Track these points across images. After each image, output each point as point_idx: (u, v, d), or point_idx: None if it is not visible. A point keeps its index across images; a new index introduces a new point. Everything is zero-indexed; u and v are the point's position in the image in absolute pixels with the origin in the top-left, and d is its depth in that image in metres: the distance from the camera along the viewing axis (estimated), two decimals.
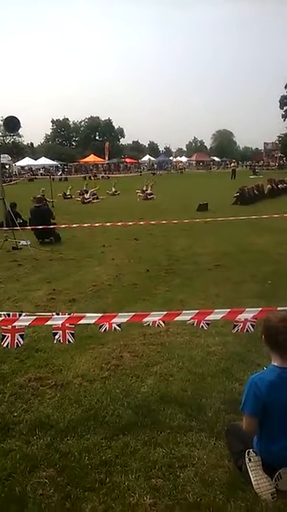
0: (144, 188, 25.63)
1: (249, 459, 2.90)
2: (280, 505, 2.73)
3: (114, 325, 3.76)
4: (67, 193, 27.49)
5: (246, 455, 2.92)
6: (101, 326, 3.80)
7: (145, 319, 3.72)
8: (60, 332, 3.75)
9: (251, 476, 2.84)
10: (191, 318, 3.73)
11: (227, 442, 3.25)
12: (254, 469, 2.86)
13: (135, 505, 2.76)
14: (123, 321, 3.73)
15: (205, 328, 3.90)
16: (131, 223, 13.15)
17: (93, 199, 24.47)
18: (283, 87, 73.35)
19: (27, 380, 4.38)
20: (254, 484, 2.81)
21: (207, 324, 3.82)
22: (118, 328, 3.80)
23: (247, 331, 3.78)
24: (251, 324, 3.75)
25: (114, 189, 29.47)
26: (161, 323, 3.80)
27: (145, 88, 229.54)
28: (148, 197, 24.36)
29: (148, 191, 25.08)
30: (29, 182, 46.83)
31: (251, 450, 2.94)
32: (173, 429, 3.52)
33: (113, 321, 3.71)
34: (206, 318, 3.73)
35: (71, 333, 3.77)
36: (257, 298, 6.55)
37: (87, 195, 24.68)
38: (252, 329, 3.75)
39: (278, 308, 3.46)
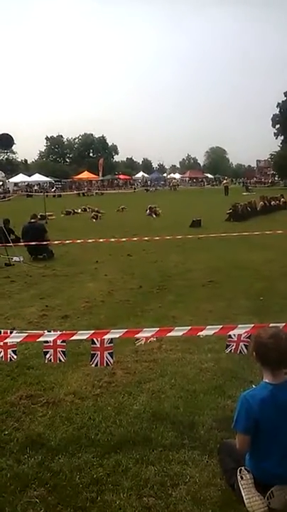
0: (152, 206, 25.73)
1: (241, 477, 2.89)
2: None
3: (105, 357, 3.67)
4: (72, 209, 27.86)
5: (238, 473, 2.91)
6: (92, 357, 3.69)
7: (137, 335, 3.71)
8: (51, 351, 3.72)
9: (243, 495, 2.82)
10: (183, 335, 3.73)
11: (219, 460, 3.23)
12: (246, 487, 2.84)
13: None
14: (115, 337, 3.70)
15: (202, 337, 3.92)
16: (124, 239, 13.19)
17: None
18: (275, 106, 74.66)
19: (18, 397, 4.34)
20: (246, 502, 2.79)
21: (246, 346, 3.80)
22: (110, 360, 3.71)
23: (240, 352, 3.77)
24: (245, 345, 3.75)
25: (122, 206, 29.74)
26: (153, 338, 3.79)
27: (139, 106, 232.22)
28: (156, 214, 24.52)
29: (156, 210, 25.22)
30: (23, 199, 46.89)
31: (243, 468, 2.93)
32: (165, 446, 3.49)
33: (105, 337, 3.66)
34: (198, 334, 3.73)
35: (62, 352, 3.74)
36: (250, 314, 6.57)
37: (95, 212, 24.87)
38: (245, 350, 3.75)
39: (270, 325, 3.48)
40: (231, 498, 2.91)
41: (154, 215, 24.03)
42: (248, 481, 2.87)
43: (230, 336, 3.77)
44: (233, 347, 3.80)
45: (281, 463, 2.84)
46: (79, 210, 28.93)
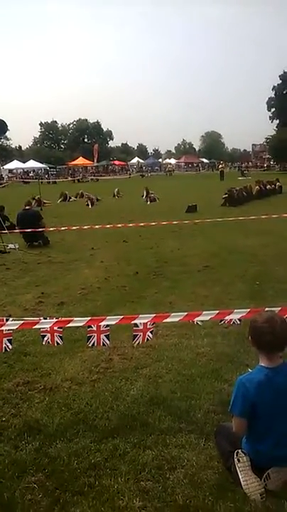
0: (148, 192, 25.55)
1: (238, 460, 2.91)
2: (269, 505, 2.73)
3: (102, 338, 3.68)
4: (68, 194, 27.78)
5: (235, 456, 2.93)
6: (89, 339, 3.71)
7: (133, 321, 3.70)
8: (49, 335, 3.72)
9: (240, 477, 2.85)
10: (180, 320, 3.73)
11: (216, 443, 3.25)
12: (243, 470, 2.87)
13: (124, 508, 2.74)
14: (111, 324, 3.70)
15: (200, 323, 3.90)
16: (120, 225, 13.14)
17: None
18: (270, 90, 74.06)
19: (15, 384, 4.35)
20: (243, 485, 2.82)
21: (202, 321, 3.80)
22: (107, 341, 3.72)
23: (233, 323, 3.78)
24: (238, 319, 3.75)
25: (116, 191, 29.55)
26: (150, 335, 3.74)
27: (134, 91, 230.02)
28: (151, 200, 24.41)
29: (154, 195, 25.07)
30: (18, 185, 46.63)
31: (239, 451, 2.95)
32: (163, 431, 3.51)
33: (101, 323, 3.65)
34: (196, 321, 3.73)
35: (59, 336, 3.74)
36: (246, 299, 6.60)
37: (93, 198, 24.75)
38: (238, 322, 3.71)
39: (266, 309, 3.48)
40: (228, 480, 2.93)
41: (149, 202, 23.90)
42: (245, 464, 2.89)
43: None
44: (226, 320, 3.81)
45: (278, 445, 2.86)
46: (75, 197, 28.73)
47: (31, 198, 12.96)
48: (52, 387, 4.27)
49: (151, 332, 3.74)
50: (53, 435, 3.51)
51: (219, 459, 3.12)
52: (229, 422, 3.19)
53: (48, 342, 3.75)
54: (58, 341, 3.75)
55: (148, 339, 3.76)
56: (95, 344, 3.72)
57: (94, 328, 3.66)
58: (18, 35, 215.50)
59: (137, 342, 3.77)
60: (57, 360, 4.83)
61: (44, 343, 3.80)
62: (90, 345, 3.76)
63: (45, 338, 3.74)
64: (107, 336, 3.71)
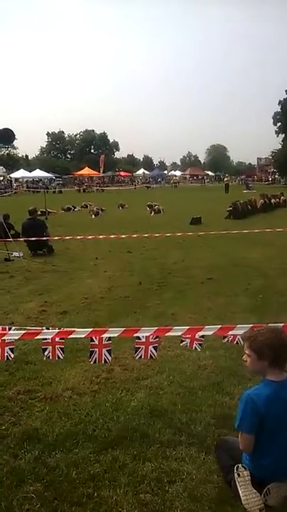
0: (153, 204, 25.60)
1: (238, 474, 2.88)
2: None
3: (104, 354, 3.66)
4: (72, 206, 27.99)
5: (235, 470, 2.90)
6: (91, 354, 3.68)
7: (135, 334, 3.69)
8: (50, 348, 3.71)
9: (240, 492, 2.82)
10: (182, 334, 3.70)
11: (217, 457, 3.22)
12: (243, 484, 2.84)
13: None
14: (113, 336, 3.68)
15: (198, 349, 3.85)
16: (124, 236, 13.17)
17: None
18: (277, 104, 74.37)
19: (16, 392, 4.33)
20: (243, 500, 2.79)
21: (200, 344, 3.79)
22: (108, 357, 3.70)
23: (237, 343, 3.75)
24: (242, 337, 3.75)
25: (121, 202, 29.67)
26: (153, 351, 3.72)
27: (141, 103, 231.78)
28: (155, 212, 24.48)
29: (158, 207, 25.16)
30: (24, 194, 46.85)
31: (240, 465, 2.92)
32: (163, 443, 3.48)
33: (103, 335, 3.64)
34: (197, 336, 3.70)
35: (61, 349, 3.73)
36: (248, 312, 6.58)
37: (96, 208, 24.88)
38: (242, 342, 3.71)
39: (269, 325, 3.46)
40: (228, 495, 2.90)
41: (153, 213, 23.96)
42: (245, 478, 2.86)
43: None
44: (230, 338, 3.79)
45: (279, 460, 2.84)
46: (79, 208, 28.83)
47: (34, 209, 12.95)
48: (52, 397, 4.25)
49: (154, 348, 3.70)
50: (53, 445, 3.49)
51: (219, 473, 3.10)
52: (230, 436, 3.17)
53: (49, 357, 3.75)
54: (59, 355, 3.74)
55: (151, 356, 3.72)
56: (97, 361, 3.70)
57: (96, 342, 3.64)
58: (26, 45, 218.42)
59: (139, 356, 3.73)
60: (58, 369, 4.82)
61: (45, 357, 3.79)
62: (92, 362, 3.73)
63: (46, 352, 3.74)
64: (109, 352, 3.69)
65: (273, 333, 2.85)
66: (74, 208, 28.24)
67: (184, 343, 3.80)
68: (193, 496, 2.90)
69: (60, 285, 8.70)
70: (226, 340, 3.84)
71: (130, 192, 50.73)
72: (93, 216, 23.28)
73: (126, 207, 28.94)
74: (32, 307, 7.17)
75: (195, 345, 3.77)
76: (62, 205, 27.86)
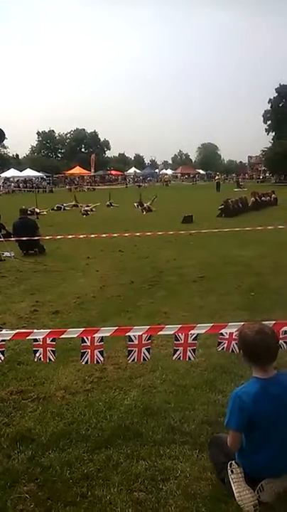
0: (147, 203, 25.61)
1: (232, 471, 2.90)
2: None
3: (96, 355, 3.65)
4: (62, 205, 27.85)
5: (229, 467, 2.92)
6: (83, 355, 3.67)
7: (128, 333, 3.67)
8: (41, 350, 3.69)
9: (234, 488, 2.84)
10: (174, 333, 3.67)
11: (210, 454, 3.24)
12: (236, 481, 2.86)
13: None
14: (106, 335, 3.67)
15: (192, 358, 3.78)
16: (115, 235, 13.16)
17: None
18: (267, 102, 74.79)
19: (8, 393, 4.32)
20: (236, 496, 2.81)
21: (193, 351, 3.72)
22: (100, 358, 3.69)
23: (232, 351, 3.71)
24: (236, 343, 3.70)
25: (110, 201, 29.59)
26: (147, 355, 3.71)
27: (132, 102, 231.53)
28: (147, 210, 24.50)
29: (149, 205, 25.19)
30: (14, 194, 46.69)
31: (233, 462, 2.94)
32: (156, 441, 3.49)
33: (95, 335, 3.62)
34: (190, 340, 3.66)
35: (52, 351, 3.71)
36: (240, 310, 6.61)
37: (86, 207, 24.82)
38: (237, 349, 3.57)
39: (262, 322, 3.47)
40: (221, 492, 2.92)
41: (144, 212, 23.98)
42: (238, 475, 2.88)
43: (222, 334, 3.71)
44: (225, 345, 3.74)
45: (272, 457, 2.85)
46: (69, 207, 28.74)
47: (24, 208, 12.89)
48: (45, 397, 4.24)
49: (147, 350, 3.69)
50: (46, 445, 3.49)
51: (213, 471, 3.11)
52: (223, 433, 3.18)
53: (40, 359, 3.72)
54: (51, 357, 3.72)
55: (144, 358, 3.71)
56: (89, 361, 3.69)
57: (88, 344, 3.63)
58: (15, 43, 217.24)
59: (132, 359, 3.70)
60: (50, 369, 4.80)
61: (36, 359, 3.78)
62: (83, 362, 3.72)
63: (37, 354, 3.71)
64: (101, 352, 3.68)
65: (258, 333, 2.84)
66: (64, 207, 28.12)
67: (176, 355, 3.72)
68: (187, 494, 2.91)
69: (52, 285, 8.67)
70: (221, 348, 3.77)
71: (122, 191, 50.67)
72: (84, 216, 23.24)
73: (115, 205, 28.92)
74: (24, 307, 7.15)
75: (188, 353, 3.69)
76: (52, 205, 27.69)
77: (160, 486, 3.00)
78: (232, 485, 2.86)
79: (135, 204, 26.66)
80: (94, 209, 25.76)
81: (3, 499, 2.89)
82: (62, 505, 2.83)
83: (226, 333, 3.69)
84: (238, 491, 2.82)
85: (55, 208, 27.36)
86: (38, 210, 22.79)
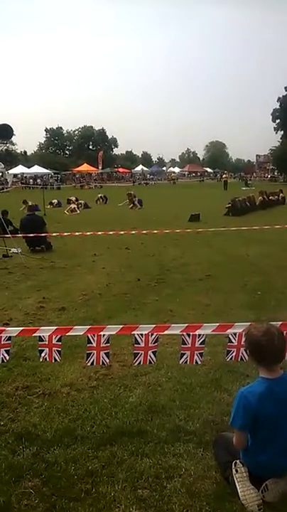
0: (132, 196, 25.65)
1: (236, 470, 2.89)
2: None
3: (101, 356, 3.62)
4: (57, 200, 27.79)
5: (233, 466, 2.91)
6: (88, 356, 3.65)
7: (133, 332, 3.65)
8: (47, 349, 3.68)
9: (238, 487, 2.83)
10: (181, 335, 3.64)
11: (214, 453, 3.23)
12: (241, 480, 2.85)
13: None
14: (111, 333, 3.66)
15: (199, 362, 3.74)
16: (122, 232, 13.16)
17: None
18: (275, 101, 74.32)
19: (14, 388, 4.34)
20: (241, 495, 2.80)
21: (201, 355, 3.69)
22: (106, 360, 3.68)
23: (242, 359, 3.67)
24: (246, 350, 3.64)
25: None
26: (153, 358, 3.69)
27: (140, 100, 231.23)
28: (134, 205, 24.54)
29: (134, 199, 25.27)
30: (22, 190, 46.81)
31: (237, 461, 2.93)
32: (161, 439, 3.49)
33: (101, 333, 3.60)
34: (197, 344, 3.63)
35: (57, 351, 3.70)
36: (246, 309, 6.59)
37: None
38: (246, 357, 3.52)
39: (270, 322, 3.45)
40: (225, 490, 2.91)
41: (131, 206, 24.01)
42: (242, 474, 2.87)
43: (230, 341, 3.65)
44: (233, 353, 3.68)
45: (277, 456, 2.85)
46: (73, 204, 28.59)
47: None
48: (51, 393, 4.26)
49: (153, 353, 3.67)
50: (51, 441, 3.50)
51: (217, 469, 3.11)
52: (227, 432, 3.18)
53: (46, 359, 3.71)
54: (56, 357, 3.71)
55: (150, 361, 3.69)
56: (94, 363, 3.68)
57: (94, 345, 3.60)
58: (25, 40, 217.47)
59: (138, 362, 3.68)
60: (56, 365, 4.80)
61: (41, 359, 3.76)
62: (89, 364, 3.71)
63: (43, 354, 3.70)
64: (107, 354, 3.66)
65: (265, 334, 2.82)
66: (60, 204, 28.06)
67: (183, 359, 3.68)
68: (191, 492, 2.91)
69: (58, 281, 8.70)
70: (229, 358, 3.72)
71: (128, 188, 50.65)
72: (68, 213, 23.24)
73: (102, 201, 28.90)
74: (30, 303, 7.17)
75: (195, 357, 3.66)
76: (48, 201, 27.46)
77: (164, 483, 3.00)
78: (236, 484, 2.85)
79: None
80: (78, 209, 25.28)
81: (8, 494, 2.91)
82: (66, 501, 2.84)
83: (234, 338, 3.62)
84: (242, 490, 2.81)
85: (54, 204, 27.17)
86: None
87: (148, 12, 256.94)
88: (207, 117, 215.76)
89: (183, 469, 3.14)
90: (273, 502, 2.80)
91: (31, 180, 59.29)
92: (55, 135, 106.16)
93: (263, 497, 2.80)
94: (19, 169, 67.00)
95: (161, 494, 2.90)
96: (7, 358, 3.73)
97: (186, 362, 3.70)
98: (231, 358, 3.73)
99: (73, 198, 26.90)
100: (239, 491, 2.82)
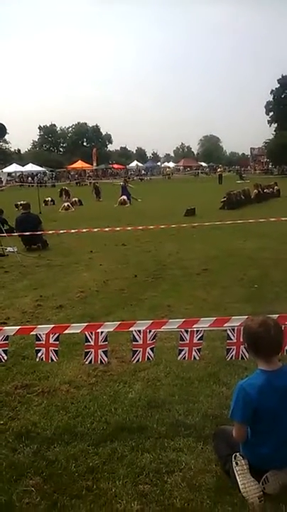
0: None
1: (236, 463, 2.90)
2: (267, 508, 2.73)
3: (100, 355, 3.62)
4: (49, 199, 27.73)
5: (233, 459, 2.92)
6: (86, 355, 3.64)
7: (131, 328, 3.66)
8: (43, 349, 3.67)
9: (238, 480, 2.84)
10: (178, 327, 3.65)
11: (214, 446, 3.24)
12: (241, 473, 2.86)
13: (122, 511, 2.74)
14: (109, 330, 3.65)
15: (197, 357, 3.73)
16: (118, 229, 13.15)
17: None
18: (269, 93, 74.33)
19: (13, 387, 4.34)
20: (241, 488, 2.81)
21: (199, 350, 3.67)
22: (105, 358, 3.67)
23: (242, 357, 3.66)
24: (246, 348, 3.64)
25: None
26: (151, 355, 3.67)
27: (133, 95, 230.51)
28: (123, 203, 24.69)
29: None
30: (16, 189, 46.61)
31: (237, 454, 2.94)
32: (161, 434, 3.50)
33: (99, 330, 3.60)
34: (195, 340, 3.62)
35: (54, 351, 3.68)
36: (244, 302, 6.60)
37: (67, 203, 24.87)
38: (247, 356, 3.53)
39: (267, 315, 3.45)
40: (226, 484, 2.92)
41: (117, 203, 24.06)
42: (243, 467, 2.88)
43: (229, 338, 3.64)
44: (233, 352, 3.66)
45: (277, 448, 2.86)
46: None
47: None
48: (50, 390, 4.26)
49: (152, 349, 3.66)
50: (51, 438, 3.50)
51: (217, 463, 3.12)
52: (227, 425, 3.19)
53: (42, 359, 3.70)
54: (53, 357, 3.69)
55: (149, 358, 3.68)
56: (93, 361, 3.67)
57: (92, 343, 3.60)
58: (17, 37, 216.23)
59: (137, 359, 3.67)
60: (55, 363, 4.78)
61: (38, 359, 3.75)
62: (87, 362, 3.70)
63: (39, 354, 3.68)
64: (105, 352, 3.66)
65: (262, 325, 2.83)
66: (53, 201, 28.01)
67: (181, 355, 3.67)
68: (192, 486, 2.92)
69: (55, 279, 8.69)
70: (229, 357, 3.70)
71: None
72: (63, 211, 23.21)
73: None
74: (27, 302, 7.16)
75: (193, 353, 3.65)
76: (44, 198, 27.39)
77: (165, 478, 3.01)
78: (237, 477, 2.86)
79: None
80: (72, 206, 25.17)
81: (9, 492, 2.91)
82: (67, 499, 2.84)
83: (233, 335, 3.60)
84: (243, 482, 2.82)
85: (47, 202, 27.15)
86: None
87: (141, 9, 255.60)
88: (201, 111, 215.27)
89: (184, 463, 3.15)
90: (274, 494, 2.81)
91: (30, 178, 59.11)
92: (48, 132, 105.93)
93: (264, 489, 2.81)
94: (13, 168, 66.79)
95: (162, 489, 2.91)
96: (5, 357, 3.72)
97: (184, 358, 3.70)
98: (231, 358, 3.71)
99: (66, 188, 26.93)
100: (239, 483, 2.83)
